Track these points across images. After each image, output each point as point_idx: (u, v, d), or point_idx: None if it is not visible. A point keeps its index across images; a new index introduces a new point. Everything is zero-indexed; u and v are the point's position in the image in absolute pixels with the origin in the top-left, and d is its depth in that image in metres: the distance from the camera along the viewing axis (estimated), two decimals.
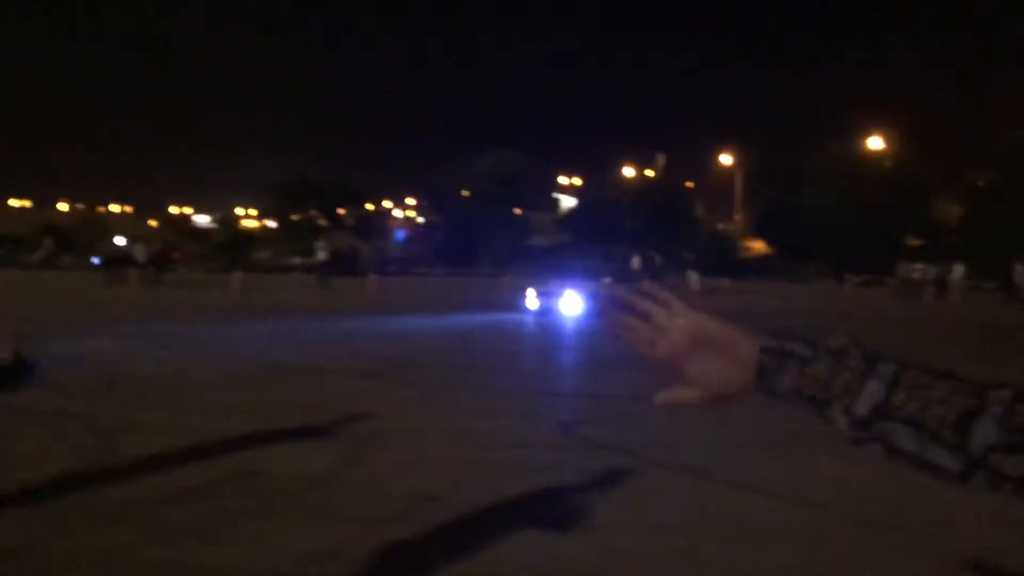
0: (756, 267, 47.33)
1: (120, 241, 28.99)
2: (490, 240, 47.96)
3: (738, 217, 61.44)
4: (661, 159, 69.98)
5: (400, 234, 39.93)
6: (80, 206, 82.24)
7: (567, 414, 9.02)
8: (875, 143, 47.92)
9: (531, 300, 20.46)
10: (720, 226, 57.02)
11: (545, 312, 19.66)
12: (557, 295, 19.91)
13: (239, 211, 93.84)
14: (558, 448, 7.65)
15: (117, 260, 28.93)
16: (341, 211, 51.09)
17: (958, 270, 31.09)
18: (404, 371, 11.75)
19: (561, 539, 5.15)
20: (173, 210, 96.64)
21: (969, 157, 47.16)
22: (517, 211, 52.74)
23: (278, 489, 6.06)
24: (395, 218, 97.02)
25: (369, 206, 54.29)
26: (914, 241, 45.29)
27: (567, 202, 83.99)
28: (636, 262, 33.31)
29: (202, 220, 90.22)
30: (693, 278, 31.99)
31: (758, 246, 56.68)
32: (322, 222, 49.29)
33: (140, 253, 28.11)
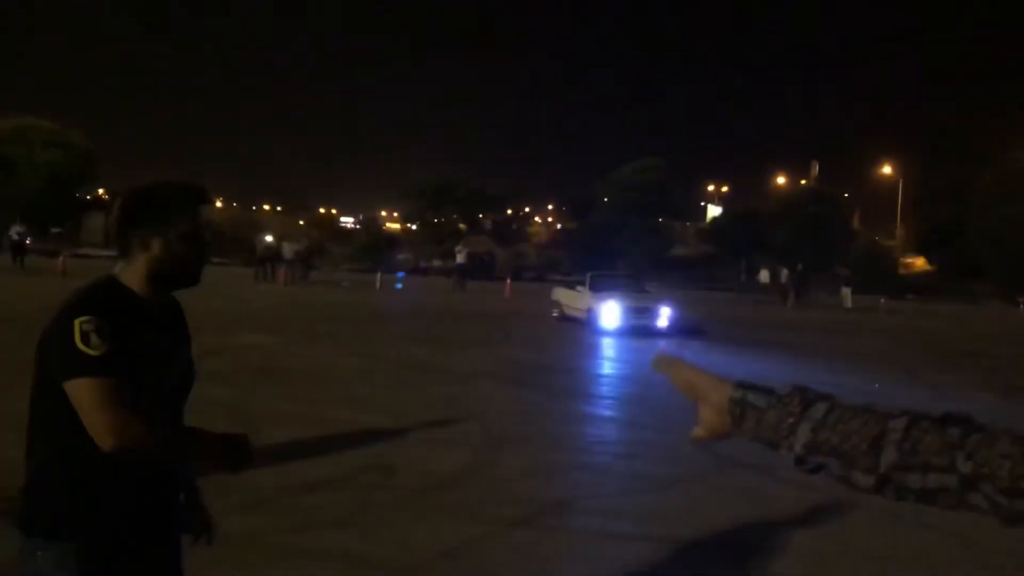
0: (916, 285, 44.62)
1: (269, 238, 30.19)
2: (629, 248, 47.40)
3: (899, 232, 57.92)
4: (815, 167, 66.94)
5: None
6: (235, 205, 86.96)
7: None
8: None
9: (609, 315, 17.10)
10: (879, 241, 53.95)
11: (632, 330, 16.90)
12: (651, 311, 17.22)
13: (383, 214, 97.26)
14: (690, 462, 7.36)
15: (266, 257, 30.20)
16: (481, 216, 51.86)
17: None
18: (533, 377, 11.69)
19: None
20: (321, 211, 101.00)
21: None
22: (659, 220, 51.74)
23: (412, 485, 6.12)
24: (535, 223, 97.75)
25: (508, 211, 54.69)
26: None
27: (713, 211, 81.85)
28: (764, 275, 31.85)
29: (347, 221, 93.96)
30: (846, 295, 30.42)
31: (919, 263, 53.45)
32: (462, 226, 50.14)
33: (288, 250, 29.25)
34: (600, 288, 18.34)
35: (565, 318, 19.20)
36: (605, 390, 10.91)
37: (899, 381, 12.42)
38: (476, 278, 32.73)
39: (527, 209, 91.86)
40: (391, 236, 56.10)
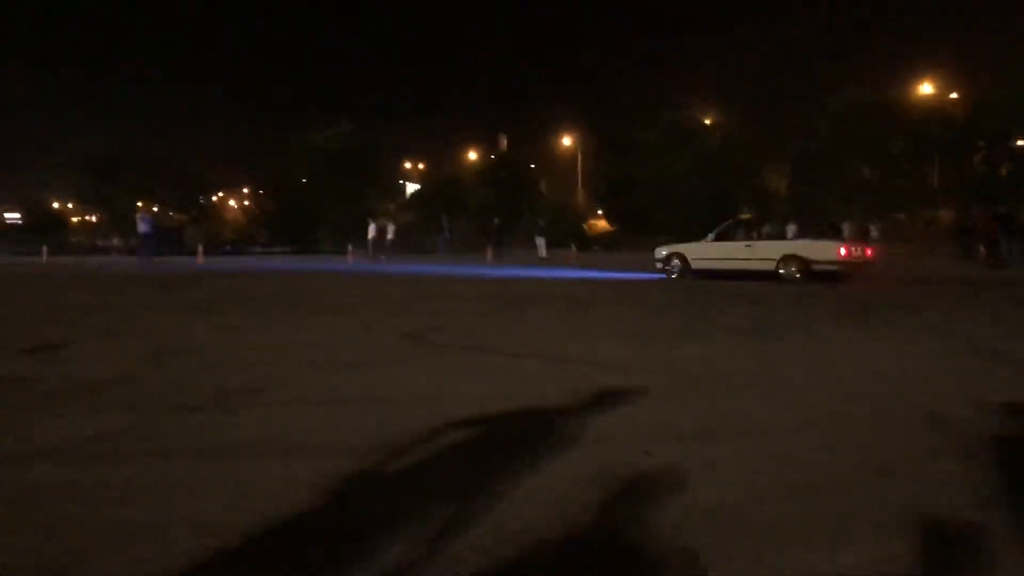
0: (601, 241, 48.39)
1: None
2: (329, 216, 46.07)
3: (581, 195, 62.30)
4: (504, 140, 70.28)
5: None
6: None
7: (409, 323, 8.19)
8: (706, 115, 50.17)
9: None
10: (565, 203, 57.61)
11: None
12: None
13: (56, 205, 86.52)
14: (406, 350, 6.86)
15: None
16: (168, 191, 47.45)
17: (792, 230, 32.08)
18: (209, 307, 10.56)
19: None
20: None
21: (792, 128, 50.20)
22: (360, 189, 50.67)
23: (48, 390, 4.99)
24: (231, 208, 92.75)
25: (199, 187, 50.76)
26: (747, 212, 47.34)
27: (412, 188, 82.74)
28: (372, 230, 31.75)
29: (13, 217, 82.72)
30: (541, 245, 31.76)
31: (601, 224, 57.86)
32: (150, 204, 45.66)
33: None
34: None
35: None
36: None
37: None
38: (165, 253, 29.73)
39: (220, 194, 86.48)
40: (58, 214, 49.57)
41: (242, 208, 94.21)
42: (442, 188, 54.66)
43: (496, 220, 35.02)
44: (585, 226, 55.34)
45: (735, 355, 6.46)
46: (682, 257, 17.59)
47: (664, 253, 18.03)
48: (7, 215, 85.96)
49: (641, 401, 4.61)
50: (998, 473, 3.24)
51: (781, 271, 15.78)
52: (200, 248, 28.39)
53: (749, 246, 16.57)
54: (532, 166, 62.13)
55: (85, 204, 52.10)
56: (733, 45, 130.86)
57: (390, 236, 33.57)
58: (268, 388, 5.03)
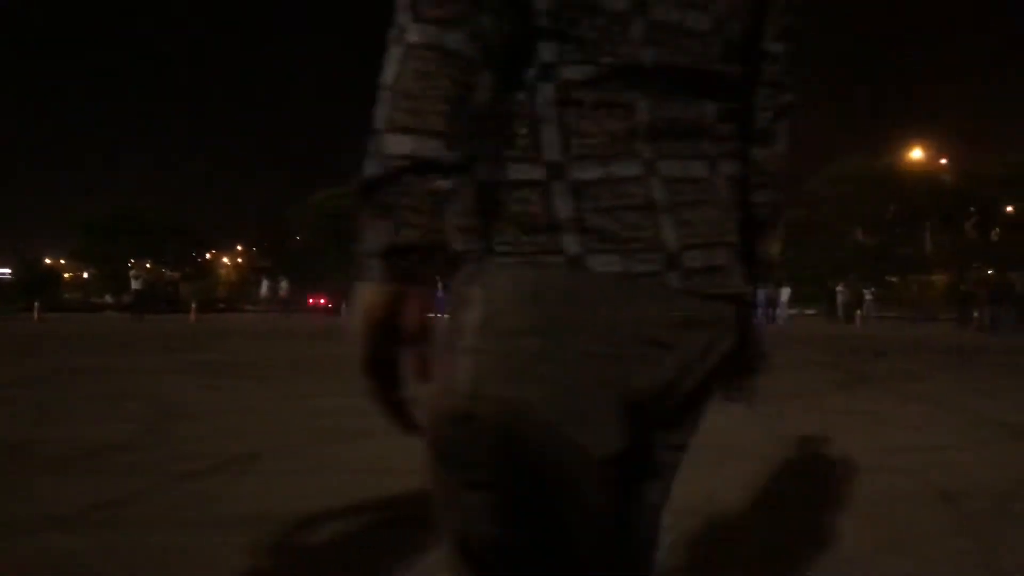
0: None
1: None
2: (329, 275, 46.29)
3: None
4: None
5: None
6: None
7: None
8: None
9: None
10: None
11: None
12: None
13: (48, 262, 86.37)
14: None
15: None
16: (164, 250, 47.39)
17: (785, 292, 30.59)
18: (211, 371, 10.61)
19: None
20: None
21: (788, 194, 50.00)
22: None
23: (55, 454, 5.04)
24: (225, 265, 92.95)
25: (195, 245, 50.74)
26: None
27: None
28: (264, 288, 33.35)
29: (5, 272, 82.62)
30: None
31: None
32: (143, 262, 45.65)
33: None
34: None
35: None
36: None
37: None
38: (157, 310, 29.41)
39: (214, 251, 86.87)
40: (52, 270, 49.41)
41: (235, 265, 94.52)
42: None
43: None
44: None
45: None
46: None
47: None
48: (1, 270, 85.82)
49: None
50: None
51: None
52: (193, 306, 28.34)
53: None
54: None
55: (78, 260, 52.01)
56: None
57: (282, 293, 35.28)
58: (265, 455, 5.08)
